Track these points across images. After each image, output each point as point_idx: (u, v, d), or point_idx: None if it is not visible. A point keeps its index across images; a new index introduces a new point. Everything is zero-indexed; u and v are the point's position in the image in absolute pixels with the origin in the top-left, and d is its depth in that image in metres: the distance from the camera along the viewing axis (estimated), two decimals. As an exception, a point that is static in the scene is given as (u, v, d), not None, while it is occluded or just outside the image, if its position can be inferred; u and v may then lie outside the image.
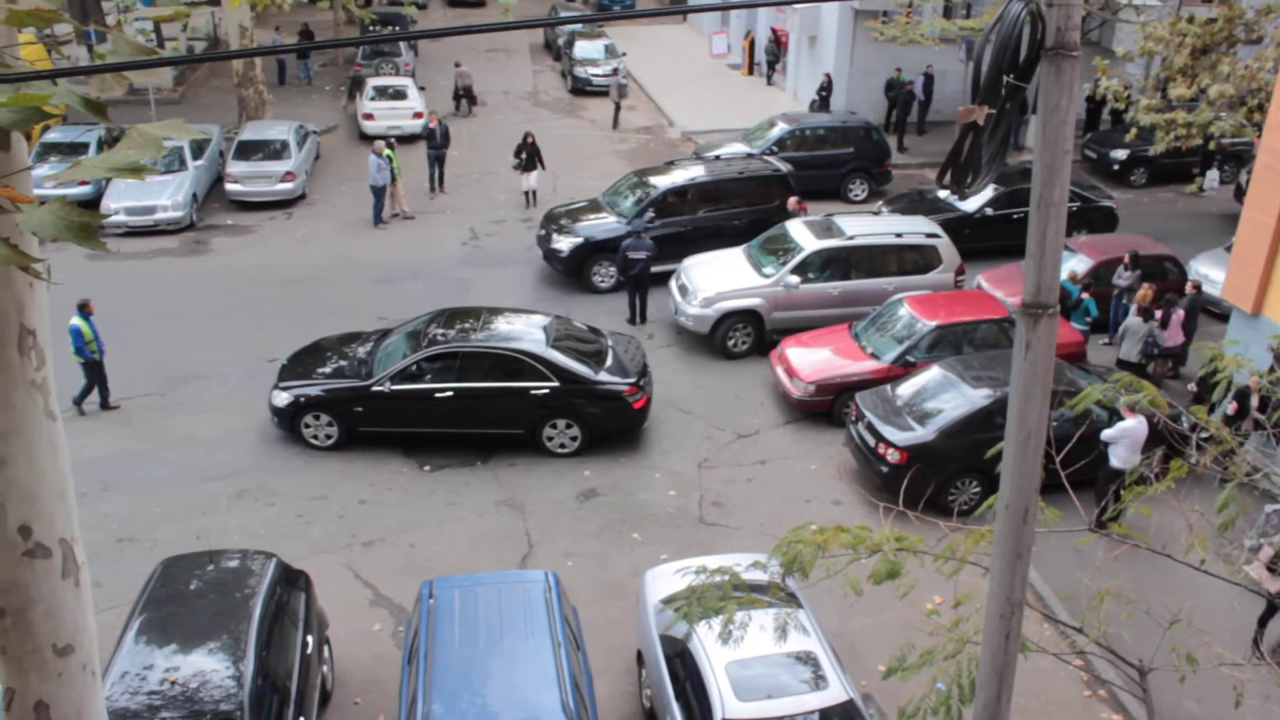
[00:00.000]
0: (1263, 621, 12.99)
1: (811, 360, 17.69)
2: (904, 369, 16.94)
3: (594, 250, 21.96)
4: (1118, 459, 14.33)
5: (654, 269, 21.02)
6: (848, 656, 12.11)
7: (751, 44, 38.14)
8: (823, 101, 31.47)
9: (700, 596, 9.57)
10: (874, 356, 17.45)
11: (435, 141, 27.56)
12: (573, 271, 22.15)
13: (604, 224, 22.38)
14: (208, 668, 10.24)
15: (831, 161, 26.69)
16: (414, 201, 26.76)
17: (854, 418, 16.00)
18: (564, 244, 22.14)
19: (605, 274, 22.11)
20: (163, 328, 20.63)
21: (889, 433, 15.19)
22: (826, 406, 17.33)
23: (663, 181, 22.96)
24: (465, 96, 34.78)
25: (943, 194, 23.58)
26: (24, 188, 4.05)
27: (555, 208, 24.01)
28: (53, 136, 27.45)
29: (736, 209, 22.77)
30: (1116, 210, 24.44)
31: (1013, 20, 5.45)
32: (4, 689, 4.84)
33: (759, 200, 22.93)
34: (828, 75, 31.57)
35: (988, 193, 23.23)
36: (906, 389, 16.07)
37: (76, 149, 26.69)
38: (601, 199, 23.58)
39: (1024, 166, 25.96)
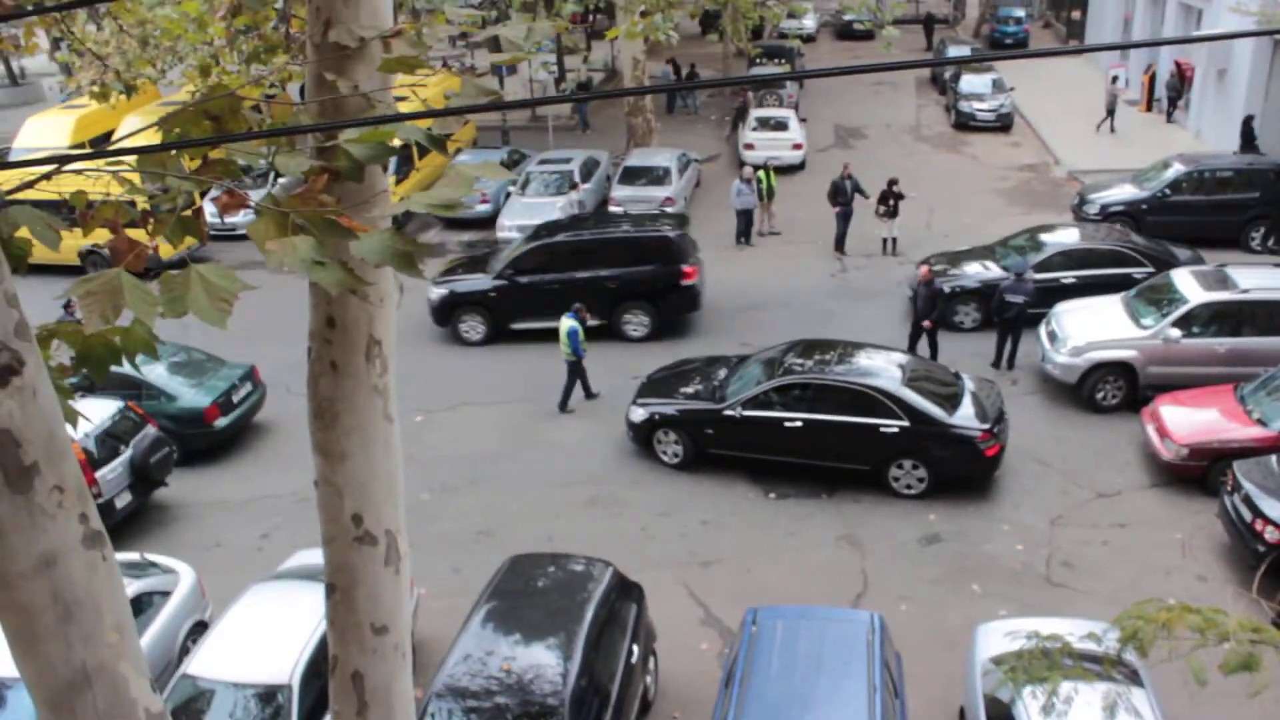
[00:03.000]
0: None
1: (1188, 421, 16.32)
2: (1295, 440, 15.30)
3: (460, 303, 21.93)
4: None
5: (529, 326, 20.97)
6: (1196, 748, 11.08)
7: (1152, 78, 35.76)
8: (1246, 143, 28.84)
9: (1029, 662, 9.09)
10: (1260, 423, 15.84)
11: (845, 196, 25.73)
12: (442, 322, 22.09)
13: (476, 279, 22.10)
14: (539, 661, 10.82)
15: (1233, 206, 24.52)
16: (814, 251, 26.35)
17: (1230, 488, 14.60)
18: (433, 293, 22.00)
19: (472, 328, 21.94)
20: (539, 339, 21.98)
21: (1270, 508, 13.73)
22: (1200, 472, 15.92)
23: (537, 238, 22.35)
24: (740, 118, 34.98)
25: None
26: (381, 215, 4.49)
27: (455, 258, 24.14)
28: (463, 159, 29.96)
29: (609, 270, 21.51)
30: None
31: None
32: (331, 655, 5.39)
33: (636, 262, 21.44)
34: (1249, 117, 28.90)
35: None
36: (1298, 461, 14.50)
37: (482, 170, 29.00)
38: (501, 250, 23.22)
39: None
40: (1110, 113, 33.88)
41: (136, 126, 21.95)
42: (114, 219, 3.93)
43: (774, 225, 27.25)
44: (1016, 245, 22.33)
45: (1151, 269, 20.94)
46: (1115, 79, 34.10)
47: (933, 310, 19.70)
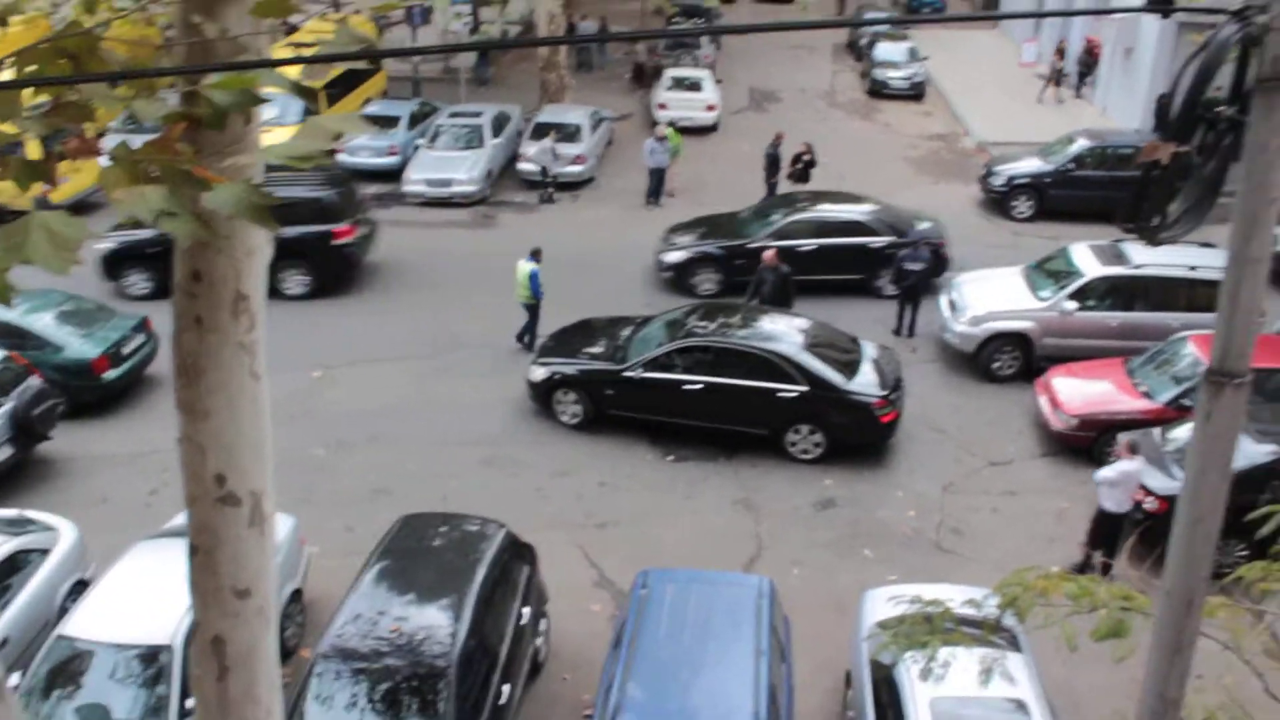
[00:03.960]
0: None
1: (1078, 392, 16.76)
2: (1179, 413, 15.76)
3: (126, 257, 21.49)
4: (1113, 502, 13.79)
5: None
6: (1071, 712, 11.46)
7: (1062, 54, 36.36)
8: (1160, 121, 29.44)
9: (910, 627, 9.29)
10: (1147, 396, 16.34)
11: (775, 167, 25.83)
12: (112, 277, 21.75)
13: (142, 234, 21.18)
14: (428, 622, 10.78)
15: (1133, 183, 25.03)
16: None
17: (1114, 458, 15.04)
18: (100, 247, 21.67)
19: (136, 283, 21.57)
20: (441, 295, 21.79)
21: (1150, 479, 14.18)
22: (1088, 443, 16.36)
23: None
24: (640, 75, 36.31)
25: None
26: (240, 165, 4.37)
27: None
28: (373, 110, 29.45)
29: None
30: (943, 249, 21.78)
31: (1219, 46, 4.94)
32: (191, 620, 5.31)
33: (289, 222, 22.14)
34: (1163, 95, 29.48)
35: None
36: (1179, 434, 14.94)
37: (390, 122, 28.57)
38: None
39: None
40: (1055, 81, 34.58)
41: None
42: (-46, 160, 3.77)
43: (670, 189, 27.14)
44: (763, 212, 22.80)
45: (890, 239, 21.57)
46: (1061, 52, 34.64)
47: (786, 295, 19.38)
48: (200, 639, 5.29)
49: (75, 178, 24.07)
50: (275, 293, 21.20)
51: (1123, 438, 14.16)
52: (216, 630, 5.24)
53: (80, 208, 24.15)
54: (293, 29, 33.29)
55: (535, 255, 19.50)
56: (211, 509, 5.03)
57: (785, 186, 25.78)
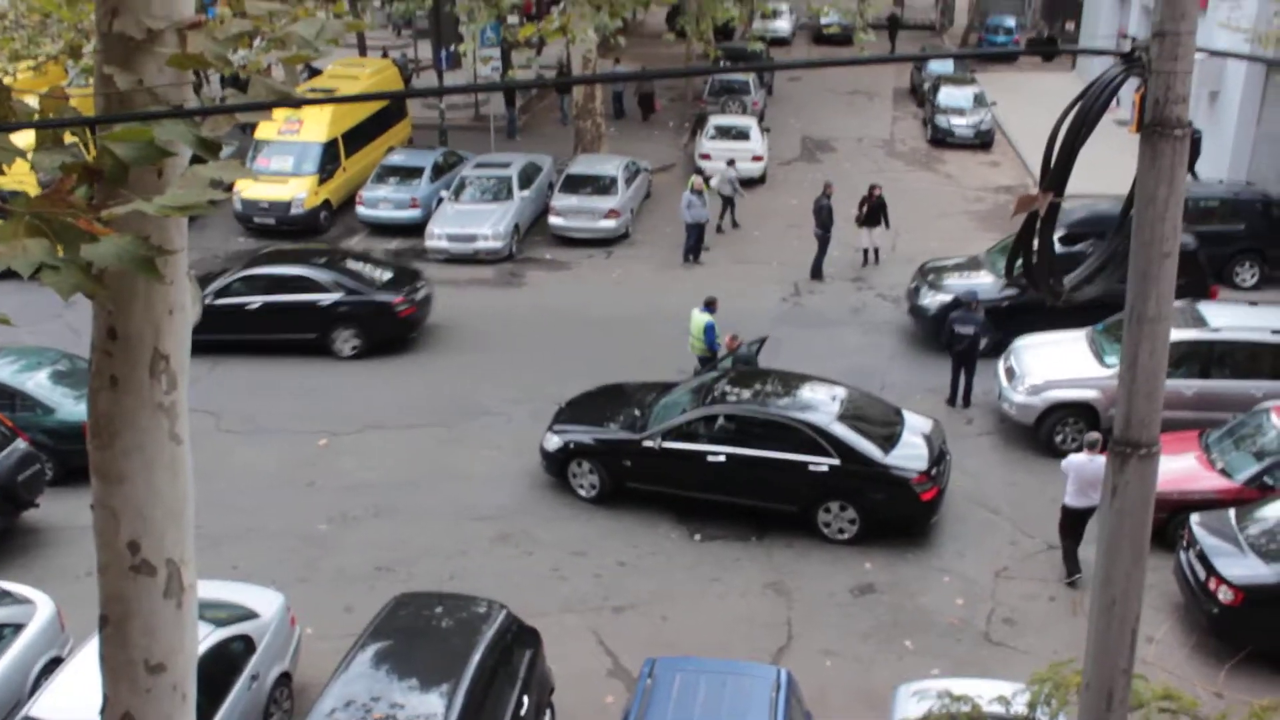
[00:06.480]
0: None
1: (1147, 469, 16.54)
2: (1260, 492, 15.49)
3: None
4: (1068, 495, 15.34)
5: None
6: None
7: (1143, 98, 36.30)
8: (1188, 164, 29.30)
9: (931, 725, 9.22)
10: (1224, 473, 16.07)
11: (823, 217, 25.51)
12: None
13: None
14: (415, 712, 10.80)
15: (1217, 239, 24.80)
16: (766, 273, 26.51)
17: (1185, 543, 14.80)
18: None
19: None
20: (461, 359, 22.03)
21: (1224, 566, 13.91)
22: (1158, 525, 16.03)
23: None
24: (643, 105, 38.40)
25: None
26: (142, 221, 4.50)
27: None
28: (395, 159, 30.07)
29: None
30: None
31: (1103, 87, 4.99)
32: (103, 695, 5.42)
33: None
34: (1193, 130, 29.33)
35: None
36: (1259, 516, 14.69)
37: (413, 173, 29.13)
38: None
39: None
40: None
41: None
42: None
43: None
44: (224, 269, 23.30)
45: (339, 295, 22.12)
46: (1143, 97, 34.61)
47: None
48: (109, 716, 5.40)
49: None
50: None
51: (1090, 436, 15.54)
52: (126, 707, 5.35)
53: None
54: (315, 72, 34.17)
55: (710, 306, 19.98)
56: (123, 578, 5.16)
57: (852, 232, 25.92)
